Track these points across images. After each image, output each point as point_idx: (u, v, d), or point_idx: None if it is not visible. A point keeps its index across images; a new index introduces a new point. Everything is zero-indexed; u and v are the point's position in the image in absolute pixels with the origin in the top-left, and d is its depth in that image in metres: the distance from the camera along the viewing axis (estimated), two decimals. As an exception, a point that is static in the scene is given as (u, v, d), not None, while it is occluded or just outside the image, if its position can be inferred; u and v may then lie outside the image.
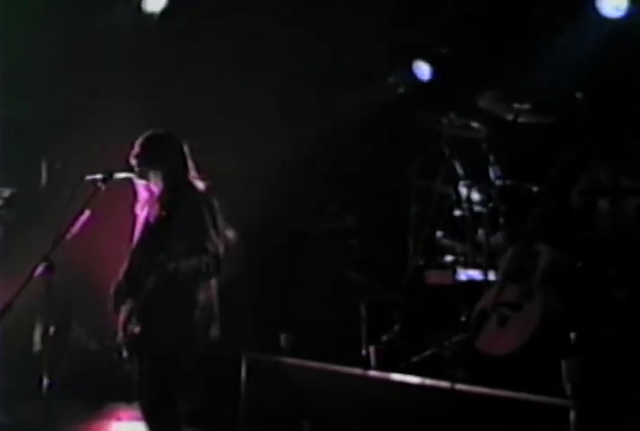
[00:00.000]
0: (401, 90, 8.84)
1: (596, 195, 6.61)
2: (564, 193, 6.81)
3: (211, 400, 7.42)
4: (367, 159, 8.59)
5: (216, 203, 5.64)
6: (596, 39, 7.44)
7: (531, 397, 5.39)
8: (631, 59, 7.27)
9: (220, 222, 5.62)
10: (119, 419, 7.31)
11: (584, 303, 6.30)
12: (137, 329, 5.42)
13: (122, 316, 5.53)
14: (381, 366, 6.70)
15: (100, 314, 7.51)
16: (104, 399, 7.71)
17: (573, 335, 5.93)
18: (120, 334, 5.54)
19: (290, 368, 6.86)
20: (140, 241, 5.65)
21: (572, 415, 5.10)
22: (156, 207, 5.61)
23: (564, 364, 5.54)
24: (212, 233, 5.51)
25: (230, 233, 7.67)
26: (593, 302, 6.28)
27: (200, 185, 5.69)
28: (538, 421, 5.32)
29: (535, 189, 7.04)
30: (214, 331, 5.61)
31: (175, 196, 5.60)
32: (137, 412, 5.74)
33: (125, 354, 5.59)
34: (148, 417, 5.54)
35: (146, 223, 5.65)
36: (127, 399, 7.10)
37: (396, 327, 7.34)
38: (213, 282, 5.63)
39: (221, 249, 5.51)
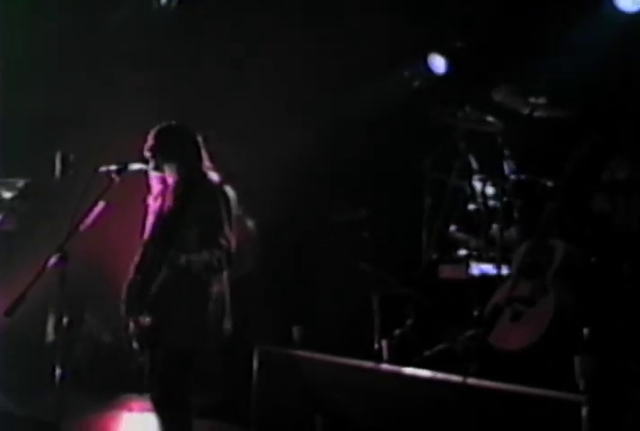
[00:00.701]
0: (416, 84, 8.80)
1: (612, 190, 6.59)
2: (579, 188, 6.80)
3: (223, 392, 7.43)
4: (381, 152, 8.57)
5: (232, 194, 5.62)
6: (612, 33, 7.39)
7: (544, 392, 5.38)
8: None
9: (235, 214, 5.61)
10: (130, 410, 7.31)
11: (598, 299, 6.29)
12: (147, 321, 5.41)
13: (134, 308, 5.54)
14: (393, 360, 6.69)
15: (113, 305, 7.52)
16: (116, 390, 7.70)
17: (586, 330, 5.92)
18: (131, 326, 5.54)
19: (302, 361, 6.84)
20: (153, 233, 5.64)
21: (584, 410, 5.09)
22: (170, 199, 5.60)
23: (577, 359, 5.52)
24: (226, 226, 5.49)
25: (250, 223, 7.70)
26: (607, 297, 6.27)
27: (214, 176, 5.68)
28: (551, 416, 5.30)
29: (550, 183, 7.02)
30: (226, 324, 5.60)
31: (189, 187, 5.58)
32: (148, 403, 5.73)
33: (135, 345, 5.60)
34: (159, 408, 5.54)
35: (160, 214, 5.64)
36: (139, 390, 7.10)
37: (409, 321, 7.34)
38: (225, 275, 5.63)
39: (233, 243, 5.50)
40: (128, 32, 8.87)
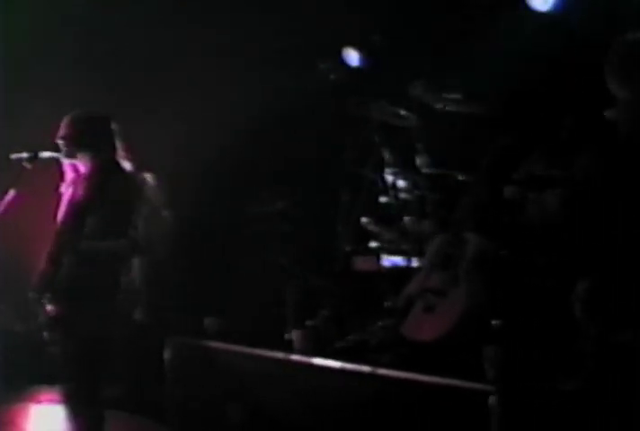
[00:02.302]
0: (332, 76, 8.82)
1: (527, 184, 6.68)
2: (493, 183, 6.88)
3: (135, 383, 7.38)
4: (298, 144, 8.58)
5: (147, 183, 5.60)
6: (527, 31, 7.49)
7: (453, 381, 5.45)
8: (561, 51, 7.35)
9: (150, 203, 5.59)
10: (38, 402, 7.23)
11: (508, 292, 6.38)
12: (52, 309, 5.35)
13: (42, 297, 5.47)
14: (306, 351, 6.72)
15: (25, 295, 7.42)
16: (27, 381, 7.61)
17: (495, 322, 6.01)
18: (41, 315, 5.48)
19: (215, 352, 6.84)
20: (63, 222, 5.58)
21: (493, 399, 5.17)
22: (81, 187, 5.55)
23: (486, 350, 5.61)
24: (134, 216, 5.47)
25: (165, 213, 7.66)
26: (516, 290, 6.36)
27: (127, 166, 5.64)
28: (461, 405, 5.38)
29: (463, 178, 7.10)
30: (138, 314, 5.58)
31: (101, 176, 5.53)
32: (57, 395, 5.67)
33: (46, 335, 5.54)
34: (68, 400, 5.49)
35: (71, 203, 5.59)
36: (50, 381, 7.03)
37: (323, 312, 7.38)
38: (137, 264, 5.60)
39: (142, 233, 5.47)
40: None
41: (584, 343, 4.01)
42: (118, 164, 5.62)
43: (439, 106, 7.42)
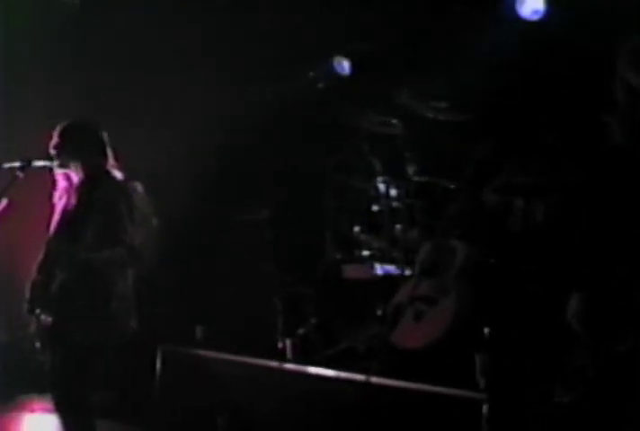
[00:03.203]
0: (321, 85, 8.84)
1: (509, 192, 6.70)
2: (478, 190, 6.90)
3: (126, 392, 7.37)
4: (285, 152, 8.59)
5: (137, 192, 5.60)
6: (513, 39, 7.53)
7: (445, 390, 5.47)
8: (546, 61, 7.39)
9: (140, 211, 5.58)
10: (31, 411, 7.21)
11: (497, 299, 6.40)
12: (48, 320, 5.35)
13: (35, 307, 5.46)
14: (297, 359, 6.73)
15: (11, 305, 7.40)
16: (16, 390, 7.59)
17: (486, 330, 6.02)
18: (33, 325, 5.47)
19: (206, 360, 6.84)
20: (56, 231, 5.58)
21: (484, 408, 5.19)
22: (73, 196, 5.56)
23: (477, 358, 5.63)
24: (128, 223, 5.47)
25: (154, 221, 7.63)
26: (505, 298, 6.38)
27: (118, 174, 5.65)
28: (452, 414, 5.39)
29: (451, 185, 7.13)
30: (132, 323, 5.58)
31: (92, 185, 5.54)
32: (49, 404, 5.66)
33: (37, 344, 5.53)
34: (60, 408, 5.47)
35: (63, 212, 5.59)
36: (39, 390, 7.00)
37: (312, 320, 7.39)
38: (130, 273, 5.60)
39: (137, 240, 5.47)
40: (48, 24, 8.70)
41: (581, 354, 4.02)
42: (109, 173, 5.62)
43: (426, 114, 7.44)
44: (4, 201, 5.28)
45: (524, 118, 7.15)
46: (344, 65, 8.59)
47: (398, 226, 7.26)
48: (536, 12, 7.32)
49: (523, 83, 7.36)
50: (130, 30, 8.67)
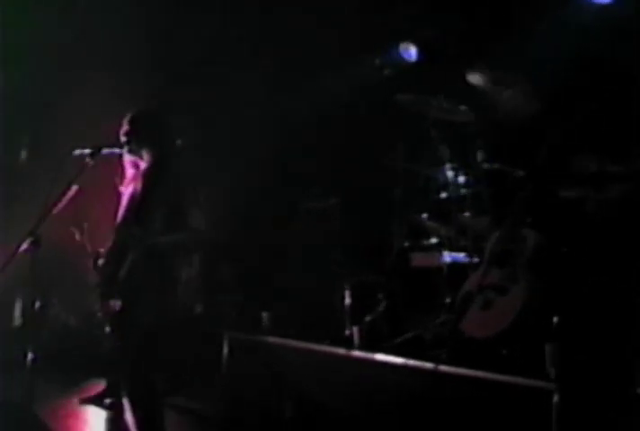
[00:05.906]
0: (387, 72, 8.79)
1: (581, 182, 6.62)
2: (549, 178, 6.82)
3: (193, 378, 7.41)
4: (353, 140, 8.57)
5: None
6: (585, 24, 7.42)
7: (515, 379, 5.40)
8: (617, 46, 7.27)
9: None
10: (96, 395, 7.27)
11: (568, 288, 6.32)
12: (118, 305, 5.39)
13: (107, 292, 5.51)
14: (364, 347, 6.70)
15: (80, 291, 7.49)
16: (83, 374, 7.68)
17: (556, 319, 5.95)
18: (103, 310, 5.52)
19: (272, 347, 6.84)
20: (124, 217, 5.64)
21: (555, 398, 5.12)
22: (142, 183, 5.60)
23: (547, 348, 5.56)
24: (195, 209, 5.50)
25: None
26: (576, 287, 6.30)
27: (185, 161, 5.68)
28: (522, 404, 5.33)
29: (521, 173, 7.04)
30: (197, 308, 5.61)
31: (160, 172, 5.59)
32: (115, 388, 5.71)
33: (107, 329, 5.58)
34: (130, 392, 5.52)
35: (131, 199, 5.64)
36: (106, 375, 7.08)
37: (380, 308, 7.35)
38: (196, 259, 5.63)
39: (203, 225, 5.50)
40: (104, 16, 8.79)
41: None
42: (176, 159, 5.65)
43: (497, 100, 7.35)
44: (75, 188, 5.31)
45: (595, 105, 7.03)
46: (411, 52, 8.54)
47: (467, 214, 7.18)
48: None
49: (594, 69, 7.25)
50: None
